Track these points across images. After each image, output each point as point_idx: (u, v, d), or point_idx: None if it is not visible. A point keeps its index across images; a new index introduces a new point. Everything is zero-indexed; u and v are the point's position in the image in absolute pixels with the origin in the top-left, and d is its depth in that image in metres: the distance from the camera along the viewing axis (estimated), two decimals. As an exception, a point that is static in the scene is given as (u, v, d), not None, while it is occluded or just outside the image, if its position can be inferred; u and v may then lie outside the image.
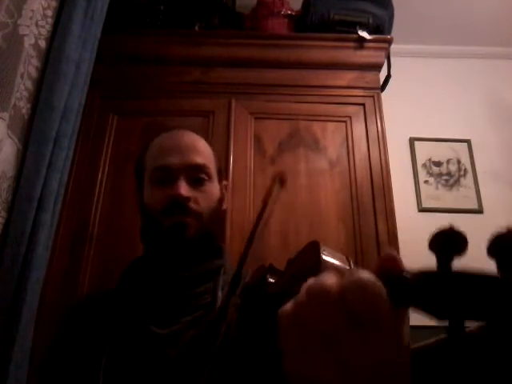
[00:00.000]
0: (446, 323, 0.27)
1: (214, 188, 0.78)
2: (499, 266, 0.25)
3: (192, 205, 0.72)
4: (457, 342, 0.25)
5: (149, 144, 0.81)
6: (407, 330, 0.29)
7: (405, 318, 0.29)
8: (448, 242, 0.26)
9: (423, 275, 0.27)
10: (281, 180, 0.59)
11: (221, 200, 0.79)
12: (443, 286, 0.26)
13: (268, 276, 0.53)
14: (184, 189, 0.72)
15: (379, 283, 0.27)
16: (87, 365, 0.64)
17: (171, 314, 0.68)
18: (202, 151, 0.79)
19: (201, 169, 0.76)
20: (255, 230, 0.56)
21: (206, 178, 0.76)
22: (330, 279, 0.29)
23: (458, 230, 0.26)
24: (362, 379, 0.27)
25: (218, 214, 0.78)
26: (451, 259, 0.26)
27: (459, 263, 0.27)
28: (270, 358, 0.59)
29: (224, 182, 0.85)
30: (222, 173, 0.85)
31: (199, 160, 0.76)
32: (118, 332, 0.67)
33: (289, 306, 0.30)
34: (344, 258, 0.43)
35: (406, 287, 0.27)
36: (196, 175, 0.75)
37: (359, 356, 0.27)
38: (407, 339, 0.29)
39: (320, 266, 0.39)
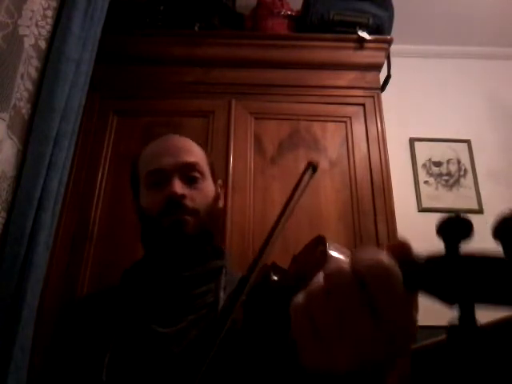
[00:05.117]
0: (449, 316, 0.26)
1: (208, 186, 0.80)
2: (504, 248, 0.25)
3: (188, 202, 0.74)
4: (468, 328, 0.25)
5: (140, 152, 0.83)
6: (416, 317, 0.29)
7: (415, 303, 0.29)
8: (455, 228, 0.27)
9: (433, 259, 0.28)
10: (313, 167, 0.59)
11: (216, 198, 0.81)
12: (451, 268, 0.26)
13: (271, 273, 0.54)
14: (178, 187, 0.74)
15: (396, 266, 0.27)
16: (91, 361, 0.65)
17: (175, 313, 0.69)
18: (193, 151, 0.81)
19: (193, 167, 0.78)
20: (280, 218, 0.56)
21: (199, 176, 0.78)
22: (345, 264, 0.29)
23: (465, 217, 0.27)
24: (374, 360, 0.28)
25: (214, 212, 0.80)
26: (458, 244, 0.27)
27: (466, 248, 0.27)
28: (277, 350, 0.61)
29: (219, 182, 0.86)
30: (216, 172, 0.87)
31: (191, 159, 0.78)
32: (121, 330, 0.68)
33: (300, 297, 0.30)
34: (349, 252, 0.44)
35: (416, 271, 0.28)
36: (189, 174, 0.77)
37: (372, 341, 0.27)
38: (416, 325, 0.29)
39: (327, 260, 0.40)
